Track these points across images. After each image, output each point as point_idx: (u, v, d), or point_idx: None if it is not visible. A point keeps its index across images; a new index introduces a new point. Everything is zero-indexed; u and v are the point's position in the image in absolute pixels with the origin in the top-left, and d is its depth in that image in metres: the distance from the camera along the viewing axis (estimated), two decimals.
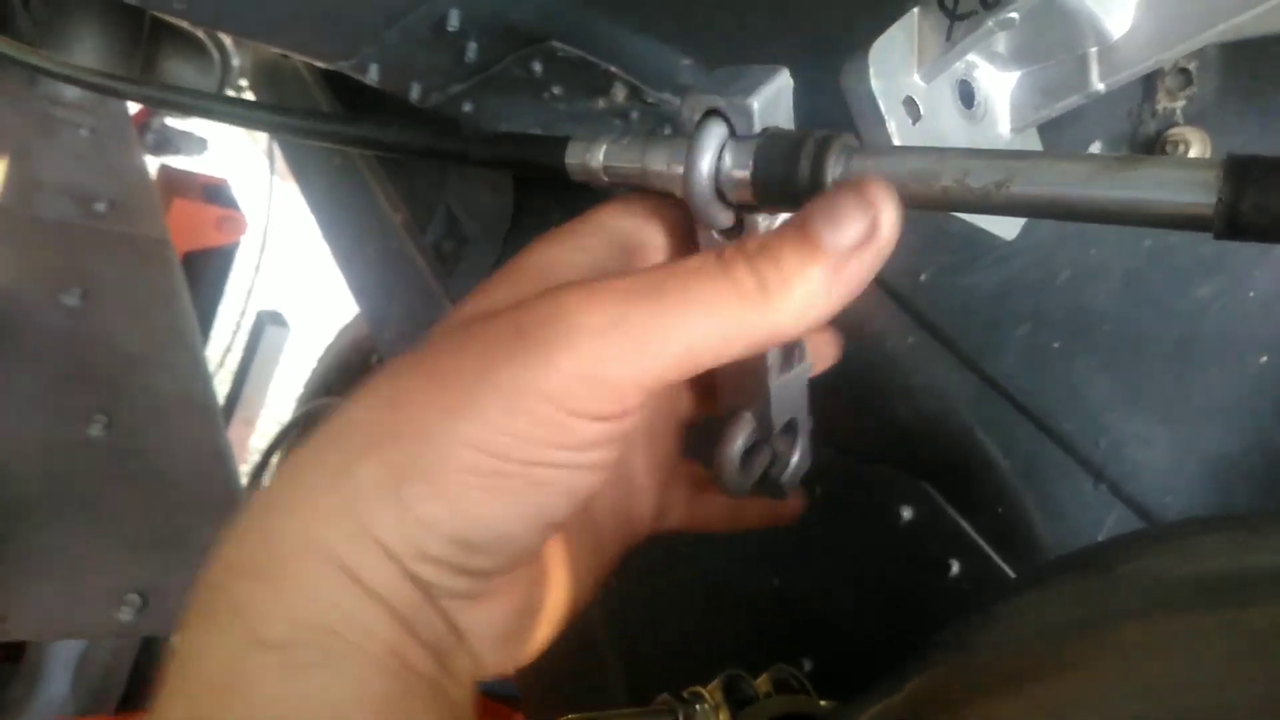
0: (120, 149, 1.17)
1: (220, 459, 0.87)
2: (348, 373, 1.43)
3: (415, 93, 0.65)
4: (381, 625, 0.24)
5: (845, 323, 0.46)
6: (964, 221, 0.33)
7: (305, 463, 0.26)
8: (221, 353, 1.77)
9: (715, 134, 0.27)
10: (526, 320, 0.25)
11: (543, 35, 0.57)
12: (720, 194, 0.27)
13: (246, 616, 0.24)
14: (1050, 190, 0.23)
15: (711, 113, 0.27)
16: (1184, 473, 0.40)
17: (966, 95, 0.32)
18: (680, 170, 0.27)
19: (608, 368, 0.24)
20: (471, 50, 0.64)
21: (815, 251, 0.24)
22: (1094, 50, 0.31)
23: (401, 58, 0.63)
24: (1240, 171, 0.20)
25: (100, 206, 1.05)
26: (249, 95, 1.53)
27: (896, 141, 0.30)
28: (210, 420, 0.90)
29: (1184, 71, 0.37)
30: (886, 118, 0.30)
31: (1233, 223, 0.21)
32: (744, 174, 0.26)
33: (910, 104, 0.30)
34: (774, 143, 0.26)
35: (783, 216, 0.28)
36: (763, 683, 0.33)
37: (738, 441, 0.34)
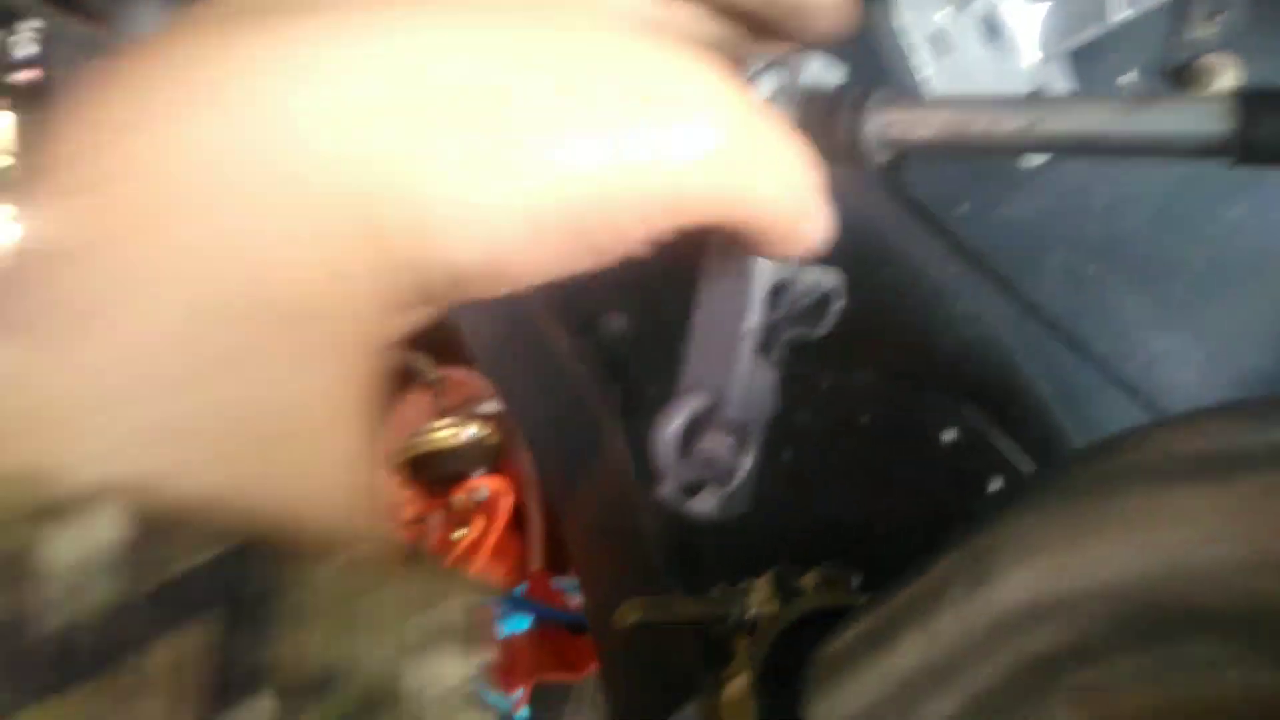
0: None
1: None
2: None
3: None
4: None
5: (890, 254, 0.49)
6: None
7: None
8: None
9: (765, 86, 0.28)
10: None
11: None
12: None
13: None
14: (1075, 129, 0.24)
15: (769, 65, 0.28)
16: (1216, 387, 0.41)
17: (993, 28, 0.33)
18: None
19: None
20: None
21: None
22: None
23: None
24: (1254, 104, 0.22)
25: None
26: None
27: (926, 73, 0.32)
28: None
29: None
30: (914, 52, 0.32)
31: (1250, 148, 0.22)
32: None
33: (937, 38, 0.32)
34: (814, 99, 0.28)
35: None
36: (810, 578, 0.36)
37: (679, 418, 0.30)
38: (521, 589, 1.09)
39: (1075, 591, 0.24)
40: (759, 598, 0.35)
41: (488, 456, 1.40)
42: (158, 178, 0.17)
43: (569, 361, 0.77)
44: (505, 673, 0.99)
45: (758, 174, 0.23)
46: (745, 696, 0.32)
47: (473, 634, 0.19)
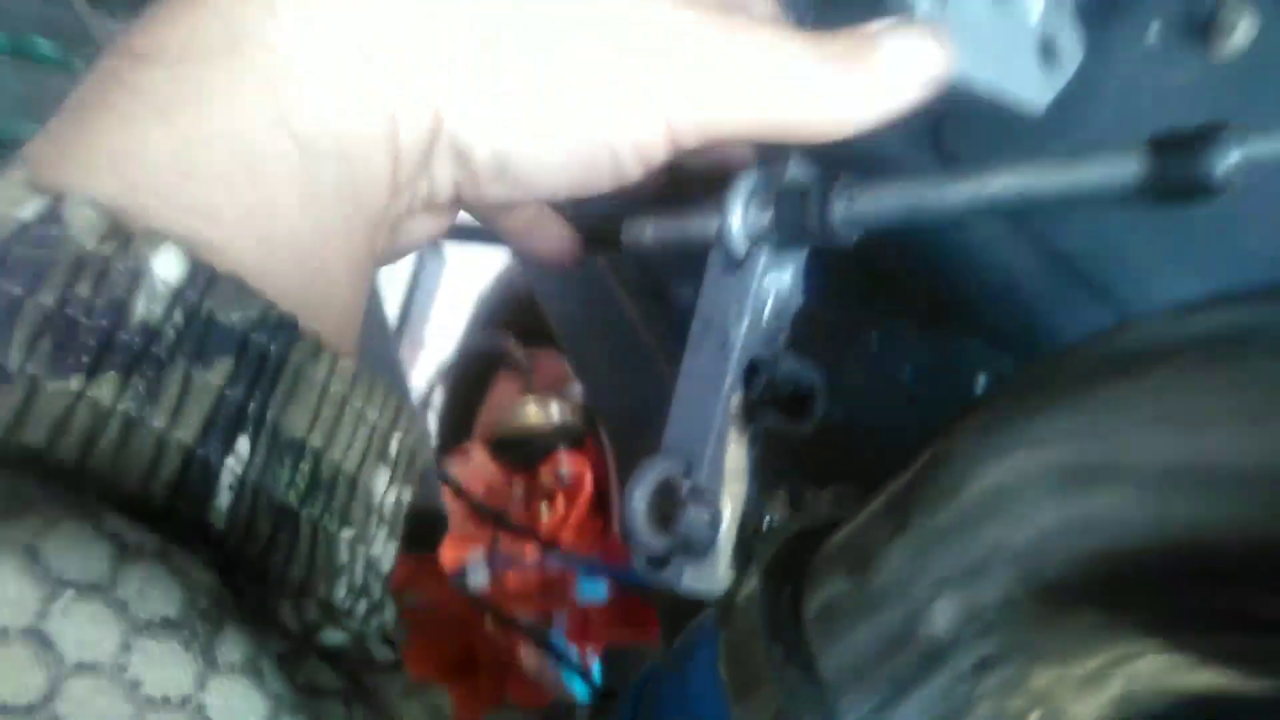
0: None
1: (392, 368, 0.98)
2: (507, 309, 1.53)
3: None
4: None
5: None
6: (1000, 95, 0.38)
7: None
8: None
9: (749, 182, 0.31)
10: None
11: None
12: (746, 234, 0.32)
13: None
14: (1012, 193, 0.28)
15: (753, 168, 0.32)
16: None
17: None
18: (715, 228, 0.32)
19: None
20: None
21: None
22: None
23: None
24: (1160, 148, 0.25)
25: None
26: None
27: (924, 21, 0.34)
28: (384, 336, 1.01)
29: None
30: (916, 1, 0.34)
31: (1163, 191, 0.26)
32: (766, 217, 0.31)
33: None
34: (788, 189, 0.31)
35: (789, 256, 0.33)
36: (826, 495, 0.39)
37: (647, 483, 0.30)
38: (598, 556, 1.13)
39: (1019, 470, 0.27)
40: (775, 508, 0.38)
41: (572, 436, 1.45)
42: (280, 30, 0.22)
43: (642, 333, 0.81)
44: (580, 632, 1.03)
45: (754, 78, 0.26)
46: (754, 595, 0.35)
47: (410, 474, 0.24)
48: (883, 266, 0.52)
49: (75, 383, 0.19)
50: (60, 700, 0.15)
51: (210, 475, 0.20)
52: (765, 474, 0.35)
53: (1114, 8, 0.44)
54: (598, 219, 0.37)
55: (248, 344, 0.20)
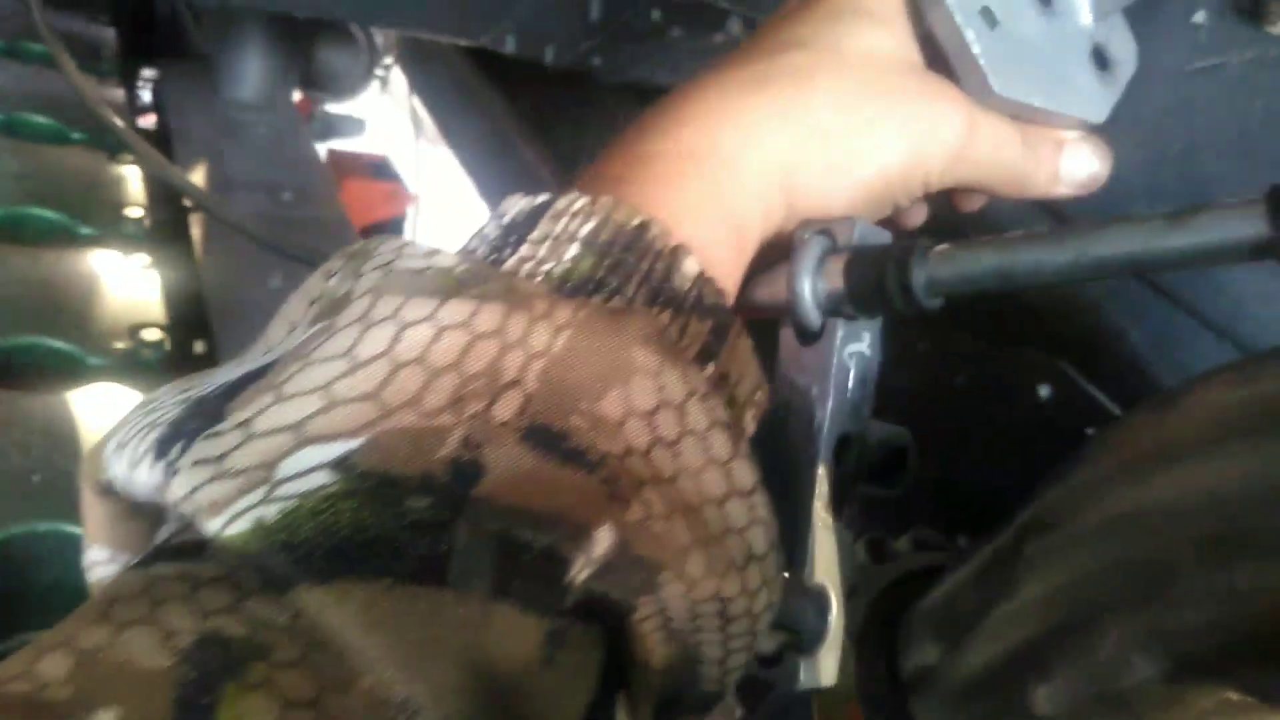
0: (294, 141, 1.28)
1: None
2: None
3: (549, 55, 0.71)
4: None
5: (978, 215, 0.49)
6: (1059, 115, 0.36)
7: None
8: None
9: (815, 249, 0.30)
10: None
11: None
12: (819, 305, 0.31)
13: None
14: (1118, 254, 0.25)
15: (818, 233, 0.31)
16: None
17: None
18: (783, 292, 0.31)
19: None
20: (595, 8, 0.69)
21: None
22: None
23: (533, 25, 0.69)
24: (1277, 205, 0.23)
25: (287, 196, 1.16)
26: (396, 73, 1.62)
27: (975, 50, 0.32)
28: None
29: None
30: (964, 28, 0.32)
31: None
32: (838, 286, 0.30)
33: (986, 12, 0.33)
34: (861, 256, 0.29)
35: (864, 323, 0.32)
36: (903, 543, 0.38)
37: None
38: None
39: (1143, 535, 0.25)
40: (857, 563, 0.37)
41: None
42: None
43: None
44: None
45: (983, 153, 0.35)
46: (848, 654, 0.34)
47: None
48: None
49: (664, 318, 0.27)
50: None
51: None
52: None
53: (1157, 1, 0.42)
54: None
55: (715, 313, 0.28)
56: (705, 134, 0.33)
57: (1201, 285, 0.44)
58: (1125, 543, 0.26)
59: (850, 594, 0.35)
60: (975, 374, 0.53)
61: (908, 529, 0.40)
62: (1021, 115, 0.35)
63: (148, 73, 1.36)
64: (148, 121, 1.28)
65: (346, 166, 1.72)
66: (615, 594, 0.24)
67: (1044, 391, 0.49)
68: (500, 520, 0.22)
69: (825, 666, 0.29)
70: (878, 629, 0.34)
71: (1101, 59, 0.38)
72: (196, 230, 1.02)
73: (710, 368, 0.28)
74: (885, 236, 0.31)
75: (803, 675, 0.29)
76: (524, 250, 0.28)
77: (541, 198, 0.30)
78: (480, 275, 0.26)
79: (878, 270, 0.28)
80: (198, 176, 1.13)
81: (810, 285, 0.30)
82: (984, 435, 0.54)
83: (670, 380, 0.25)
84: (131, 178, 1.02)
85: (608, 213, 0.29)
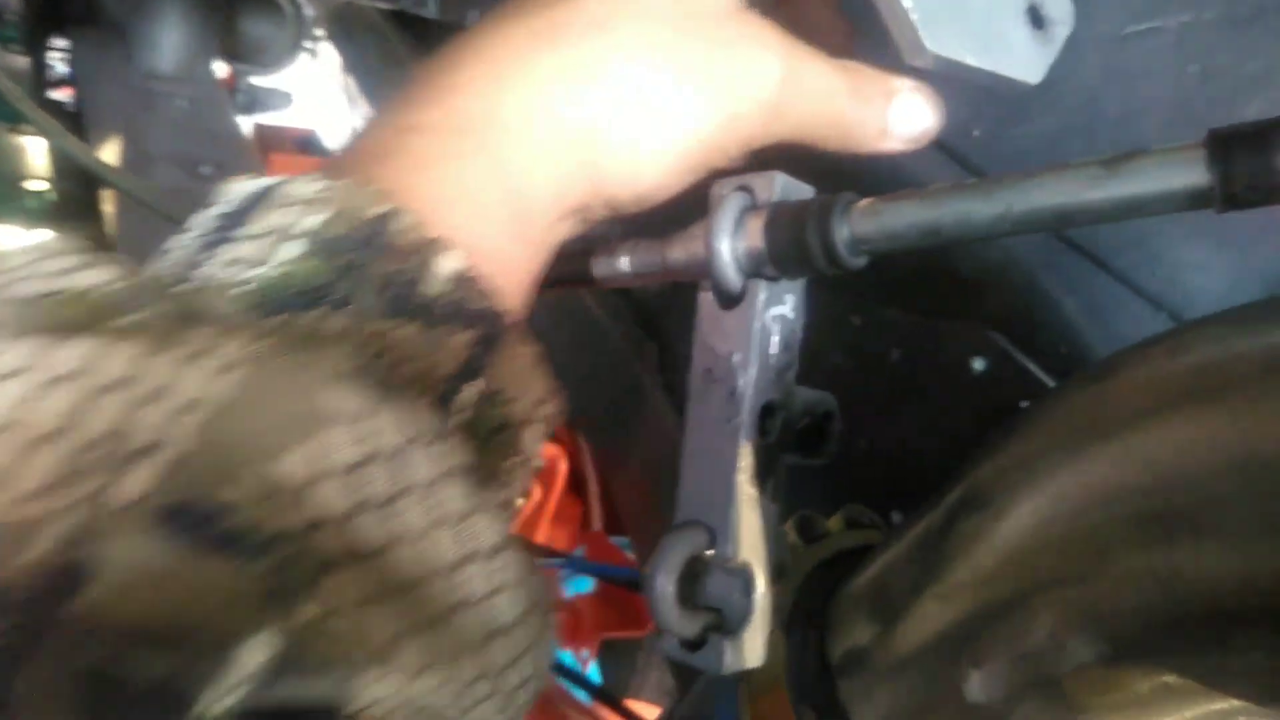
0: (216, 115, 1.23)
1: None
2: None
3: (470, 20, 0.68)
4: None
5: (907, 182, 0.48)
6: (993, 75, 0.35)
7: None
8: None
9: (734, 205, 0.28)
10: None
11: None
12: (740, 267, 0.29)
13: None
14: (1050, 205, 0.24)
15: (737, 189, 0.29)
16: (1242, 292, 0.40)
17: None
18: (701, 252, 0.29)
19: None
20: None
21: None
22: None
23: None
24: (1224, 148, 0.21)
25: (206, 170, 1.11)
26: (326, 44, 1.57)
27: (907, 5, 0.31)
28: None
29: None
30: None
31: (1233, 199, 0.21)
32: (759, 245, 0.28)
33: None
34: (781, 212, 0.28)
35: (787, 285, 0.30)
36: (834, 521, 0.37)
37: (673, 566, 0.28)
38: (580, 551, 1.11)
39: (1077, 513, 0.24)
40: (786, 541, 0.35)
41: None
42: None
43: (605, 321, 0.78)
44: (572, 632, 1.01)
45: (806, 106, 0.31)
46: (774, 640, 0.32)
47: None
48: None
49: (388, 323, 0.24)
50: None
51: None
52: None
53: None
54: (568, 254, 0.34)
55: (480, 319, 0.25)
56: (483, 99, 0.28)
57: (1137, 254, 0.43)
58: (1058, 520, 0.24)
59: (779, 574, 0.34)
60: (909, 348, 0.52)
61: (839, 507, 0.39)
62: (954, 75, 0.34)
63: (61, 43, 1.30)
64: (65, 94, 1.22)
65: (272, 141, 1.66)
66: (298, 704, 0.18)
67: (978, 364, 0.48)
68: (103, 646, 0.16)
69: (751, 648, 0.27)
70: (807, 611, 0.32)
71: (1037, 18, 0.36)
72: (109, 206, 0.97)
73: (469, 389, 0.24)
74: (808, 191, 0.29)
75: (728, 658, 0.28)
76: (235, 250, 0.23)
77: (266, 181, 0.25)
78: (138, 297, 0.20)
79: (798, 227, 0.26)
80: (111, 150, 1.08)
81: (729, 245, 0.28)
82: (919, 410, 0.53)
83: (382, 425, 0.20)
84: (35, 150, 0.97)
85: (343, 200, 0.23)
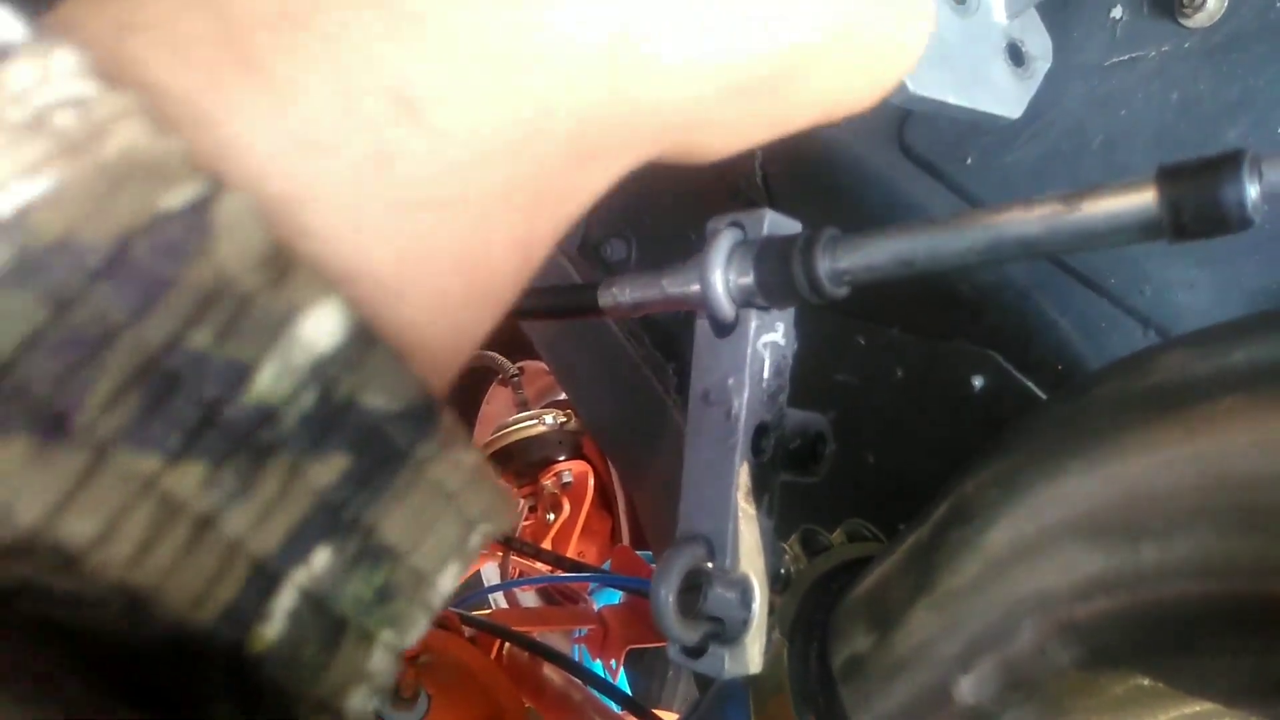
0: None
1: None
2: None
3: None
4: None
5: (904, 209, 0.50)
6: (974, 111, 0.37)
7: None
8: None
9: (726, 241, 0.30)
10: None
11: None
12: (732, 297, 0.30)
13: None
14: (1014, 236, 0.25)
15: (730, 225, 0.31)
16: (1228, 308, 0.42)
17: None
18: (696, 284, 0.30)
19: None
20: None
21: None
22: None
23: None
24: (1172, 182, 0.23)
25: None
26: None
27: None
28: None
29: None
30: None
31: (1181, 230, 0.23)
32: (749, 278, 0.30)
33: None
34: (768, 247, 0.29)
35: (778, 313, 0.31)
36: (837, 536, 0.39)
37: (674, 578, 0.29)
38: (608, 565, 1.13)
39: (1051, 525, 0.26)
40: (787, 558, 0.37)
41: (570, 441, 1.45)
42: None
43: (624, 342, 0.80)
44: (600, 643, 1.03)
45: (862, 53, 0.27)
46: (779, 649, 0.34)
47: (474, 556, 0.21)
48: None
49: (152, 462, 0.15)
50: None
51: (272, 592, 0.17)
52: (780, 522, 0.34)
53: None
54: (573, 286, 0.36)
55: (377, 437, 0.17)
56: None
57: (1124, 273, 0.45)
58: (1033, 533, 0.26)
59: (783, 586, 0.36)
60: (912, 367, 0.54)
61: (843, 522, 0.41)
62: (936, 111, 0.36)
63: None
64: None
65: None
66: None
67: (978, 382, 0.50)
68: None
69: (751, 654, 0.30)
70: (810, 621, 0.34)
71: (1017, 55, 0.38)
72: None
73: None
74: (795, 226, 0.31)
75: (728, 664, 0.30)
76: None
77: None
78: None
79: (785, 260, 0.28)
80: None
81: (722, 278, 0.30)
82: (922, 427, 0.55)
83: None
84: None
85: (94, 157, 0.14)
